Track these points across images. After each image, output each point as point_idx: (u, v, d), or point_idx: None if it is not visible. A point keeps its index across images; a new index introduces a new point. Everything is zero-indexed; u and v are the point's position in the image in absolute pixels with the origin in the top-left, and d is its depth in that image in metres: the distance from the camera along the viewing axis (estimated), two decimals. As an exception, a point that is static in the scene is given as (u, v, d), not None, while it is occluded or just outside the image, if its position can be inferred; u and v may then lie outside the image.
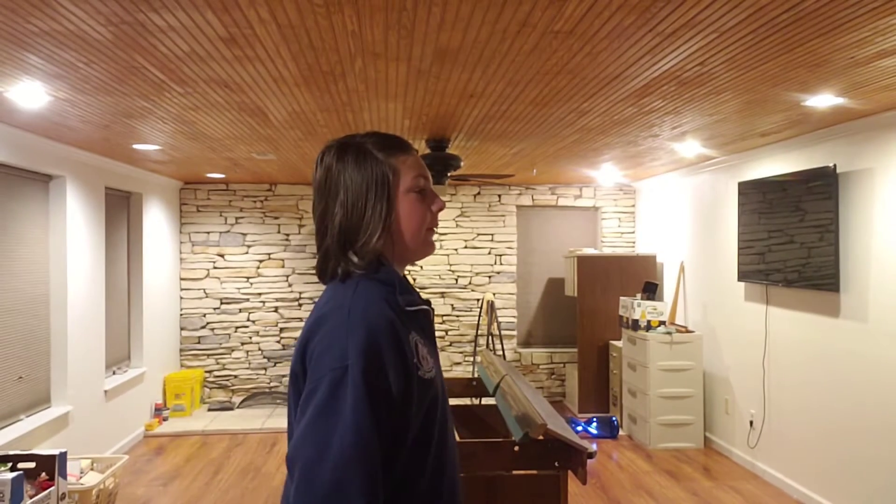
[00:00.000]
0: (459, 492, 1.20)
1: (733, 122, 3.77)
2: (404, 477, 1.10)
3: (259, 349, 7.03)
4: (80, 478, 3.91)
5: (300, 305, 7.07)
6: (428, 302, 1.25)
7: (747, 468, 4.95)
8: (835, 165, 3.89)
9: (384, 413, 1.04)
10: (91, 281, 4.93)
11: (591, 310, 6.47)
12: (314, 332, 1.10)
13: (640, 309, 5.71)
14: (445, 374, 7.13)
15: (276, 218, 7.04)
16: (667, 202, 6.44)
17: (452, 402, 4.25)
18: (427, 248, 1.25)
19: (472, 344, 7.17)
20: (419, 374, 1.11)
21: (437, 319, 7.17)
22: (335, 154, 1.21)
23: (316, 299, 7.04)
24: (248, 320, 7.01)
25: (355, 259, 1.17)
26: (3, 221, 4.01)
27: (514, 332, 7.26)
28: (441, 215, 7.16)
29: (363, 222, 1.17)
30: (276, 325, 7.04)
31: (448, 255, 7.18)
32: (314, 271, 7.41)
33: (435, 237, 7.48)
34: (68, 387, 4.56)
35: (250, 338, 7.02)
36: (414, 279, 7.14)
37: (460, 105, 3.35)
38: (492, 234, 7.22)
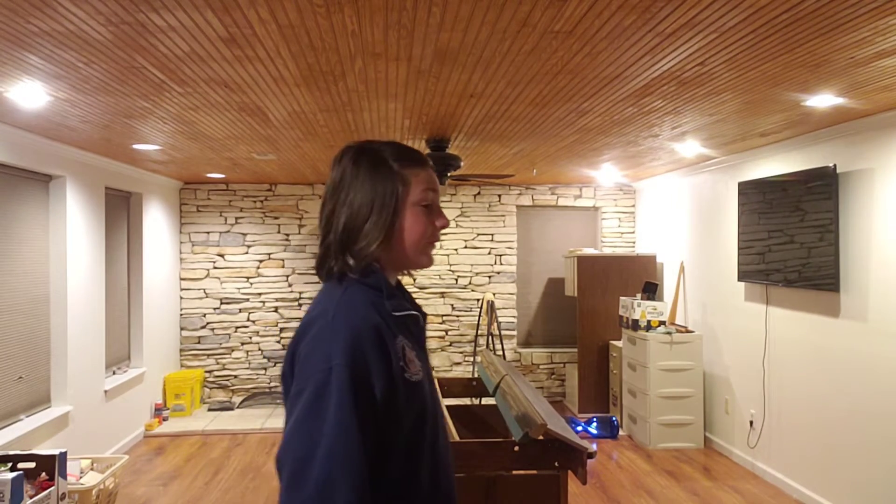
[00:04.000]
0: (454, 490, 1.22)
1: (733, 122, 3.77)
2: (399, 477, 1.12)
3: (259, 349, 7.03)
4: (80, 478, 3.91)
5: (300, 305, 7.07)
6: (418, 307, 1.28)
7: (747, 468, 4.95)
8: (835, 165, 3.89)
9: (369, 414, 1.06)
10: (91, 281, 4.93)
11: (591, 310, 6.47)
12: (302, 336, 1.13)
13: (640, 309, 5.71)
14: (445, 375, 7.13)
15: (276, 218, 7.04)
16: (667, 202, 6.44)
17: (452, 402, 4.25)
18: (424, 260, 1.27)
19: (472, 344, 7.17)
20: (405, 377, 1.13)
21: (437, 319, 7.17)
22: (351, 157, 1.24)
23: (316, 299, 7.05)
24: (248, 320, 7.01)
25: (351, 262, 1.20)
26: (3, 221, 4.01)
27: (514, 332, 7.26)
28: (441, 215, 7.16)
29: (365, 227, 1.20)
30: (276, 325, 7.04)
31: (448, 255, 7.18)
32: (312, 271, 7.45)
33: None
34: (68, 387, 4.56)
35: (250, 338, 7.02)
36: (414, 279, 7.14)
37: (460, 105, 3.35)
38: (492, 234, 7.22)
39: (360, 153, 1.24)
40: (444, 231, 7.15)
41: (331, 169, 1.27)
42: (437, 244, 1.32)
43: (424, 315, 1.30)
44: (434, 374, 6.55)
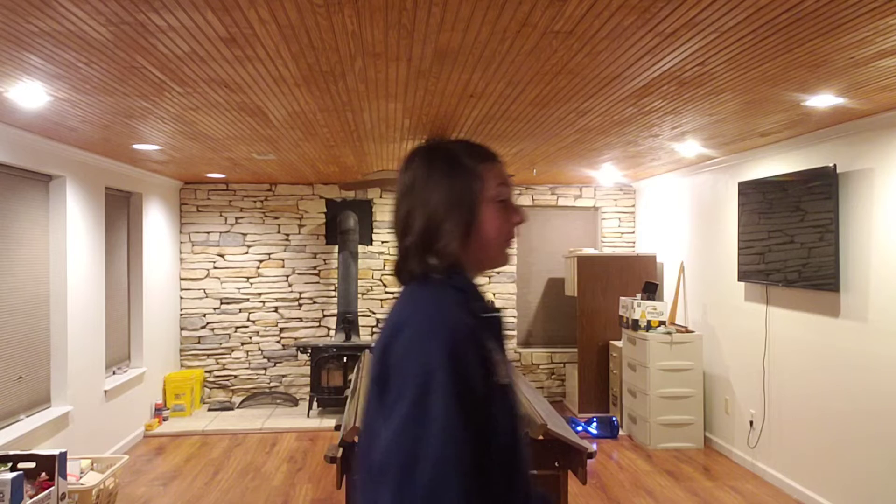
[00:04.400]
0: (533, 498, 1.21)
1: (733, 122, 3.77)
2: (500, 482, 1.09)
3: (259, 349, 7.03)
4: (80, 478, 3.91)
5: (300, 305, 7.07)
6: (498, 309, 1.25)
7: (747, 468, 4.95)
8: (835, 165, 3.89)
9: (473, 417, 1.04)
10: (91, 281, 4.93)
11: (591, 310, 6.47)
12: (395, 337, 1.10)
13: (640, 309, 5.71)
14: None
15: (276, 218, 7.04)
16: (667, 202, 6.44)
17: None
18: (503, 259, 1.24)
19: (472, 344, 7.16)
20: (497, 380, 1.11)
21: (437, 319, 7.16)
22: (423, 157, 1.23)
23: (316, 299, 7.05)
24: (248, 320, 7.01)
25: (434, 262, 1.17)
26: (3, 221, 4.01)
27: (514, 332, 7.26)
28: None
29: (445, 226, 1.17)
30: (276, 325, 7.04)
31: (448, 255, 7.17)
32: (314, 271, 7.41)
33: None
34: (68, 387, 4.56)
35: (250, 338, 7.02)
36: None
37: (460, 105, 3.35)
38: (492, 234, 7.21)
39: (432, 152, 1.22)
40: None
41: (400, 172, 1.24)
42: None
43: (502, 318, 1.27)
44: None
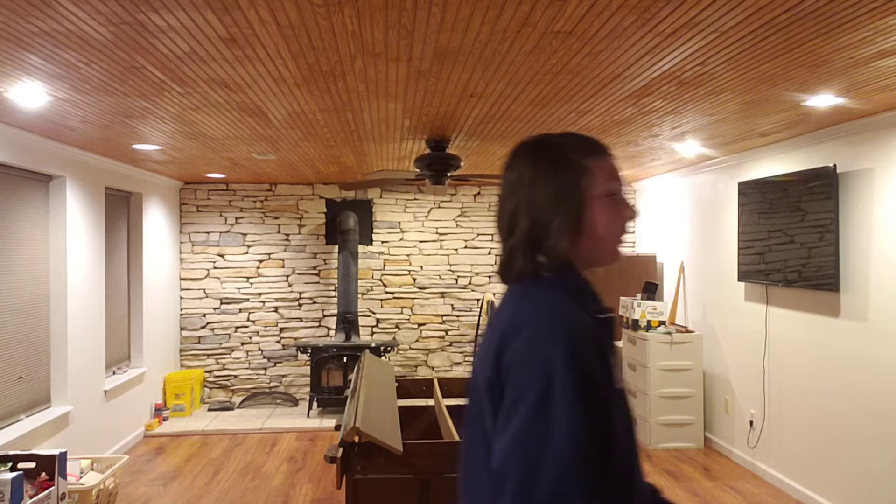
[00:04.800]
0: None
1: (733, 122, 3.77)
2: (619, 488, 1.07)
3: (259, 349, 7.03)
4: (80, 478, 3.91)
5: (300, 305, 7.07)
6: (611, 309, 1.21)
7: (747, 468, 4.95)
8: (835, 165, 3.89)
9: (598, 421, 1.01)
10: (91, 281, 4.93)
11: (591, 310, 6.46)
12: (510, 339, 1.06)
13: (640, 309, 5.71)
14: (446, 375, 7.14)
15: (276, 218, 7.04)
16: (667, 202, 6.44)
17: (452, 402, 4.25)
18: (613, 256, 1.20)
19: (472, 344, 7.17)
20: (613, 383, 1.08)
21: (437, 319, 7.17)
22: (529, 153, 1.19)
23: (316, 299, 7.04)
24: (248, 320, 7.01)
25: (543, 260, 1.14)
26: (3, 221, 4.01)
27: (514, 332, 7.25)
28: (441, 215, 7.17)
29: (553, 223, 1.13)
30: (276, 325, 7.04)
31: (448, 255, 7.18)
32: (314, 271, 7.39)
33: (430, 239, 7.41)
34: (68, 387, 4.56)
35: (250, 338, 7.02)
36: (414, 279, 7.14)
37: (460, 105, 3.35)
38: (492, 234, 7.22)
39: (538, 147, 1.18)
40: (444, 231, 7.18)
41: (505, 169, 1.21)
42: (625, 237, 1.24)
43: (614, 319, 1.22)
44: (434, 374, 6.50)
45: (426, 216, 7.17)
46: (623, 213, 1.19)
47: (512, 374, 1.04)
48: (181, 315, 6.95)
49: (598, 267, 1.20)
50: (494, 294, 7.19)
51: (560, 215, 1.13)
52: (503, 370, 1.05)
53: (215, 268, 6.98)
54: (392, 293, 7.15)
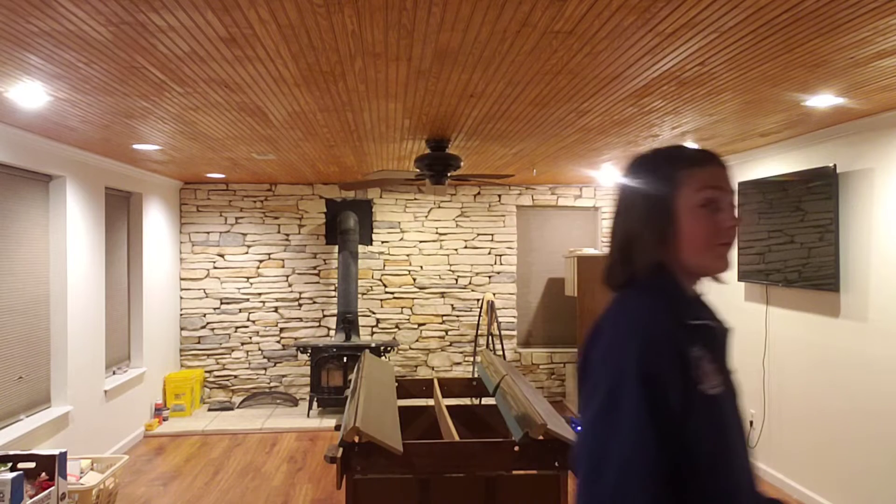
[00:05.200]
0: None
1: (733, 122, 3.77)
2: (703, 495, 1.08)
3: (259, 349, 7.03)
4: (80, 478, 3.91)
5: (300, 305, 7.07)
6: (717, 318, 1.23)
7: (747, 468, 4.95)
8: (835, 165, 3.89)
9: (664, 423, 1.05)
10: (91, 281, 4.93)
11: (591, 310, 6.47)
12: (595, 339, 1.16)
13: (640, 309, 5.70)
14: (445, 374, 7.14)
15: (276, 218, 7.04)
16: (667, 202, 6.44)
17: (452, 402, 4.25)
18: (717, 264, 1.20)
19: (472, 344, 7.17)
20: (701, 389, 1.10)
21: (437, 319, 7.17)
22: (631, 167, 1.26)
23: (316, 299, 7.05)
24: (248, 320, 7.01)
25: (635, 268, 1.21)
26: (3, 221, 4.01)
27: (514, 332, 7.26)
28: (441, 215, 7.17)
29: (642, 237, 1.20)
30: (276, 325, 7.04)
31: (448, 255, 7.18)
32: (314, 271, 7.39)
33: (430, 239, 7.39)
34: (68, 387, 4.56)
35: (250, 338, 7.02)
36: (414, 279, 7.14)
37: (460, 105, 3.35)
38: (492, 234, 7.22)
39: (637, 161, 1.26)
40: (444, 231, 7.18)
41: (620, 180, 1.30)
42: (730, 245, 1.25)
43: (726, 329, 1.24)
44: (434, 374, 6.48)
45: (426, 216, 7.17)
46: (721, 221, 1.20)
47: (593, 369, 1.14)
48: (181, 315, 6.95)
49: (705, 275, 1.24)
50: (494, 294, 7.20)
51: (648, 229, 1.20)
52: (590, 364, 1.16)
53: (215, 268, 6.98)
54: (392, 293, 7.15)
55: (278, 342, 7.06)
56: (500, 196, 7.22)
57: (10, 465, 3.38)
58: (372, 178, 4.79)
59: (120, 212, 5.77)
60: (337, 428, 3.11)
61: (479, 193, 7.21)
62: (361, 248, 7.08)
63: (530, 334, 7.37)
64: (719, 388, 1.13)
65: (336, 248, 7.07)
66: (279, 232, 7.05)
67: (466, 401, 5.14)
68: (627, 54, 2.50)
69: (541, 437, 2.67)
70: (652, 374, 1.06)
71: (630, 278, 1.22)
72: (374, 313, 7.13)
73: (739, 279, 4.87)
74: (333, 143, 4.51)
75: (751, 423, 4.93)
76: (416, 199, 7.18)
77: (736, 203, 1.27)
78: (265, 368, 7.04)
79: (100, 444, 5.05)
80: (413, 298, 7.16)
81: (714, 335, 1.19)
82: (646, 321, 1.12)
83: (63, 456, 3.48)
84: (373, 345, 6.38)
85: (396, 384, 4.01)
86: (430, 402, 4.29)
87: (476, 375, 4.41)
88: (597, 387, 1.10)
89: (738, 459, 1.14)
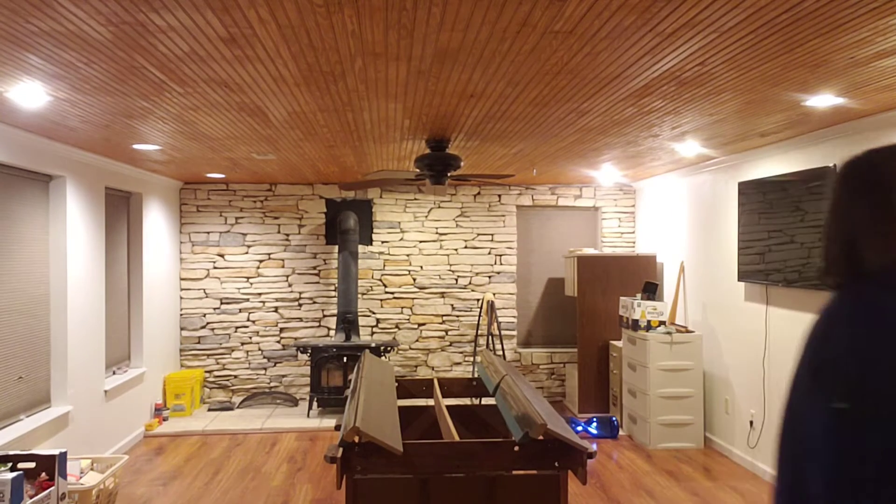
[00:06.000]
0: None
1: (733, 122, 3.77)
2: None
3: (259, 349, 7.03)
4: (80, 478, 3.91)
5: (300, 305, 7.07)
6: None
7: (747, 468, 4.95)
8: (835, 165, 3.89)
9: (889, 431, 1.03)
10: (91, 281, 4.93)
11: (591, 310, 6.47)
12: (831, 332, 1.12)
13: (640, 309, 5.71)
14: (445, 374, 7.14)
15: (276, 218, 7.04)
16: (667, 202, 6.44)
17: (452, 402, 4.25)
18: None
19: (472, 344, 7.17)
20: None
21: (437, 319, 7.17)
22: (842, 173, 1.24)
23: (316, 299, 7.05)
24: (248, 320, 7.01)
25: (863, 265, 1.17)
26: (3, 222, 4.01)
27: (514, 332, 7.26)
28: (441, 215, 7.17)
29: (868, 241, 1.17)
30: (276, 325, 7.04)
31: (448, 255, 7.18)
32: (314, 271, 7.37)
33: (430, 239, 7.38)
34: (68, 387, 4.56)
35: (250, 338, 7.02)
36: (414, 279, 7.14)
37: (460, 105, 3.35)
38: (492, 234, 7.22)
39: (849, 167, 1.24)
40: (444, 231, 7.18)
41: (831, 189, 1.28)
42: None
43: None
44: (434, 374, 6.51)
45: (426, 216, 7.17)
46: None
47: (829, 367, 1.10)
48: (181, 315, 6.95)
49: None
50: (494, 294, 7.20)
51: (872, 234, 1.17)
52: (823, 360, 1.12)
53: (215, 268, 6.98)
54: (392, 293, 7.15)
55: (278, 342, 7.06)
56: (499, 196, 7.22)
57: (10, 465, 3.38)
58: (372, 178, 4.79)
59: (120, 212, 5.77)
60: (337, 428, 3.11)
61: (479, 193, 7.21)
62: (361, 248, 7.08)
63: (530, 334, 7.37)
64: None
65: (336, 248, 7.07)
66: (279, 232, 7.05)
67: (466, 401, 5.14)
68: (627, 54, 2.50)
69: (541, 437, 2.67)
70: (887, 380, 1.03)
71: (857, 275, 1.17)
72: (374, 313, 7.13)
73: (739, 279, 4.87)
74: (333, 144, 4.51)
75: (751, 423, 4.93)
76: (416, 199, 7.18)
77: None
78: (265, 368, 7.04)
79: (100, 444, 5.05)
80: (413, 298, 7.16)
81: None
82: (889, 320, 1.07)
83: (63, 456, 3.48)
84: (373, 345, 6.39)
85: (396, 384, 4.01)
86: (430, 402, 4.30)
87: (476, 375, 4.41)
88: (834, 386, 1.06)
89: None
